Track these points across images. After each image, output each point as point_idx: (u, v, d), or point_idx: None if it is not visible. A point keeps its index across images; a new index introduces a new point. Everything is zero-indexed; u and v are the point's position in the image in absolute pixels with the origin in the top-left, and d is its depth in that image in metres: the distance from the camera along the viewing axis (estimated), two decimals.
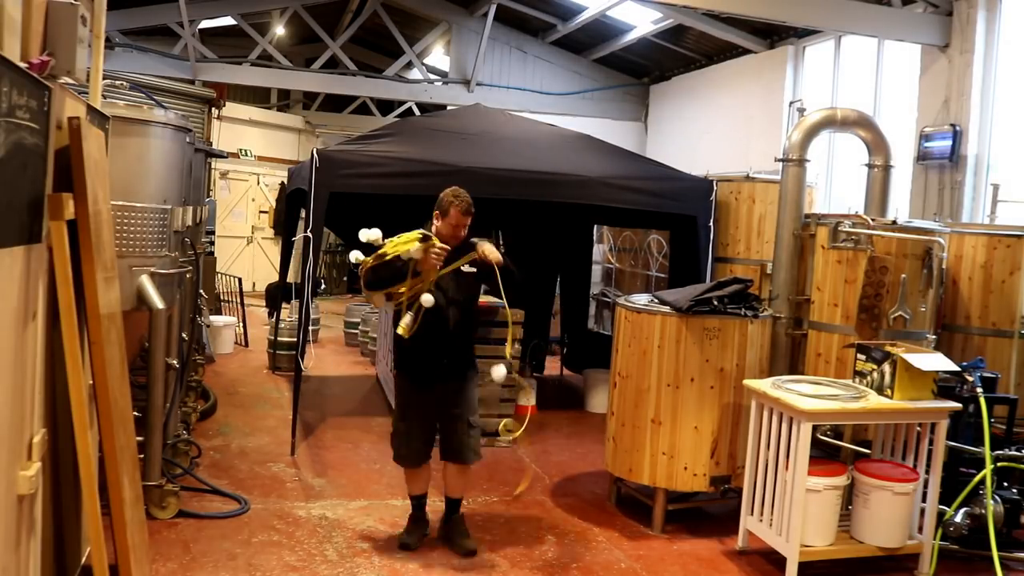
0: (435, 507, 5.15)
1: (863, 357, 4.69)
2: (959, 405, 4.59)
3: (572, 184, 6.60)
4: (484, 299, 6.64)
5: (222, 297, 11.42)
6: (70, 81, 2.95)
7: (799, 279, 5.96)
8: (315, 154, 6.00)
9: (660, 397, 4.92)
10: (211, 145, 8.41)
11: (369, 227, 4.33)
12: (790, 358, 5.96)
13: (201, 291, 6.86)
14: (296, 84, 13.55)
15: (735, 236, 7.39)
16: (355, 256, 4.42)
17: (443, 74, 13.92)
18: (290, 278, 9.19)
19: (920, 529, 4.57)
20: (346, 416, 7.23)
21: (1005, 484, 4.77)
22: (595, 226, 9.55)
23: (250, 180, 16.09)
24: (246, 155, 15.98)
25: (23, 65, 2.38)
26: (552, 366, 9.79)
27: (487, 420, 6.64)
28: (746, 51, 10.89)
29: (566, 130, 7.75)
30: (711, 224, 7.13)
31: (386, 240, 4.34)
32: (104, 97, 4.07)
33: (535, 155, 6.73)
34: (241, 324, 10.51)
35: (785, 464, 4.38)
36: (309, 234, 6.00)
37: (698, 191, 7.13)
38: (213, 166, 12.18)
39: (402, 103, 17.31)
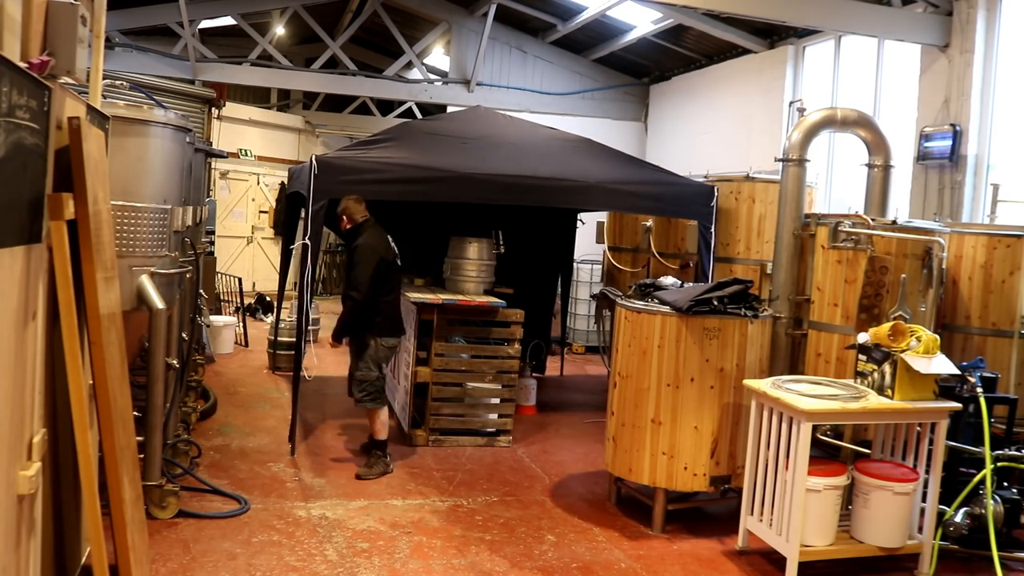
0: (435, 507, 5.16)
1: (864, 357, 4.69)
2: (959, 405, 4.59)
3: (573, 190, 6.59)
4: (483, 299, 6.67)
5: (222, 297, 11.43)
6: (70, 81, 2.95)
7: (799, 279, 5.96)
8: (313, 160, 5.97)
9: (660, 397, 4.92)
10: (211, 145, 8.41)
11: None
12: (790, 358, 5.96)
13: (201, 291, 6.86)
14: (296, 84, 13.52)
15: (735, 236, 7.39)
16: None
17: (443, 74, 13.91)
18: (291, 279, 9.22)
19: (920, 529, 4.57)
20: (346, 416, 7.23)
21: (1005, 484, 4.78)
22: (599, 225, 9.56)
23: (250, 180, 16.09)
24: (246, 155, 15.97)
25: (23, 65, 2.38)
26: (552, 366, 9.80)
27: (486, 420, 6.67)
28: (746, 51, 10.89)
29: (567, 134, 7.74)
30: (712, 228, 7.13)
31: None
32: (104, 97, 4.08)
33: (535, 160, 6.72)
34: (241, 324, 10.51)
35: (785, 464, 4.39)
36: (307, 241, 5.95)
37: (699, 196, 7.12)
38: (213, 166, 12.18)
39: (402, 103, 17.29)
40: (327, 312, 12.66)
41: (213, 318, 9.53)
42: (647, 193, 6.92)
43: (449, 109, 12.45)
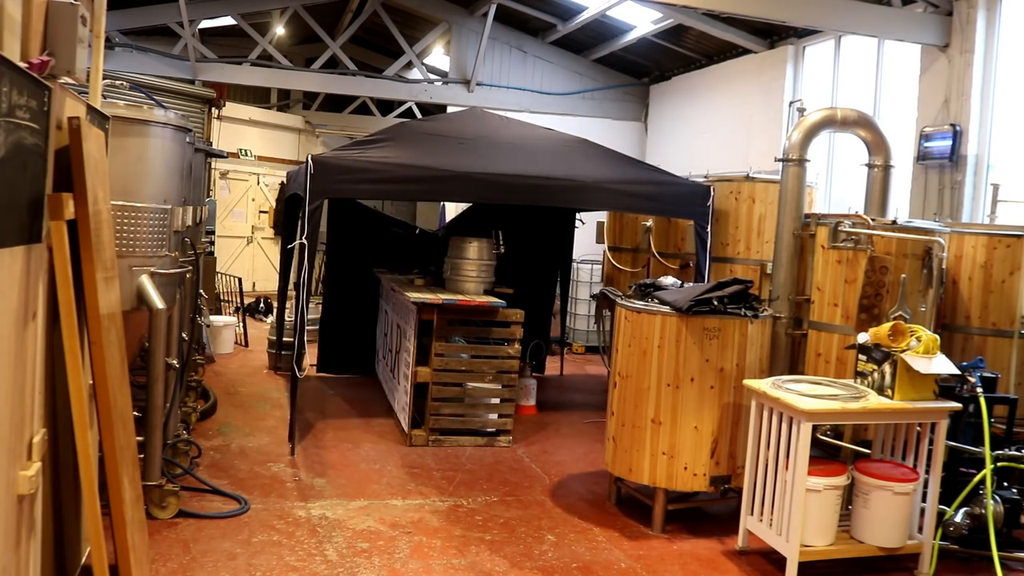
0: (435, 507, 5.16)
1: (864, 357, 4.69)
2: (959, 405, 4.59)
3: (569, 189, 6.59)
4: (483, 299, 6.67)
5: (222, 297, 11.42)
6: (70, 81, 2.95)
7: (799, 279, 5.96)
8: (310, 160, 5.96)
9: (660, 397, 4.92)
10: (211, 145, 8.41)
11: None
12: (790, 358, 5.97)
13: (201, 291, 6.86)
14: (296, 84, 13.52)
15: (735, 236, 7.39)
16: None
17: (443, 74, 13.90)
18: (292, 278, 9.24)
19: (920, 529, 4.57)
20: (346, 416, 7.23)
21: (1005, 484, 4.78)
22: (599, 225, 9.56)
23: (250, 180, 16.10)
24: (246, 155, 15.98)
25: (23, 65, 2.38)
26: (552, 366, 9.80)
27: (486, 419, 6.67)
28: (746, 51, 10.89)
29: (564, 134, 7.73)
30: (708, 228, 7.13)
31: None
32: (104, 97, 4.08)
33: (532, 160, 6.72)
34: (241, 324, 10.51)
35: (785, 464, 4.39)
36: (304, 241, 5.94)
37: (695, 196, 7.12)
38: (213, 166, 12.17)
39: (402, 103, 17.29)
40: None
41: (213, 318, 9.54)
42: (643, 193, 6.92)
43: (449, 109, 12.44)
